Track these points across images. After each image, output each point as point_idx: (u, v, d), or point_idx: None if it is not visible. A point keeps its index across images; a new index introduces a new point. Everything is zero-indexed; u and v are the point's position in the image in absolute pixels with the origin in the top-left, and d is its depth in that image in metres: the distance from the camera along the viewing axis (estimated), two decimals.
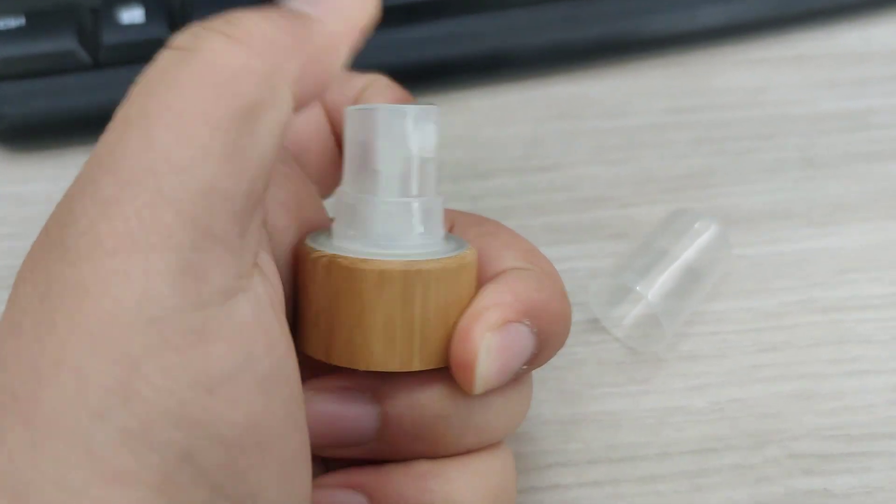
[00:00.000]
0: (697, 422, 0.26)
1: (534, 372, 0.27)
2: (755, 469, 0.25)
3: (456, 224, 0.21)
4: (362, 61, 0.33)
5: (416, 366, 0.18)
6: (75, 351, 0.14)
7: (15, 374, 0.14)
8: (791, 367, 0.27)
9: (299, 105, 0.17)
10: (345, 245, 0.19)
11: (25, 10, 0.33)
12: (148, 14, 0.33)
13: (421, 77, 0.33)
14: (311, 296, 0.19)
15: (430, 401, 0.19)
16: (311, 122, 0.23)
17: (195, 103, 0.15)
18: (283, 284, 0.18)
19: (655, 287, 0.26)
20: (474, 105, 0.34)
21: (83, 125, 0.33)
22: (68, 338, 0.14)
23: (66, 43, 0.32)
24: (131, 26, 0.32)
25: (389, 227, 0.19)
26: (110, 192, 0.15)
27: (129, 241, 0.14)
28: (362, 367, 0.18)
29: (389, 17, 0.33)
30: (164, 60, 0.16)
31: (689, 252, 0.27)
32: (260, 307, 0.16)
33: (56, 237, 0.15)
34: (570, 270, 0.29)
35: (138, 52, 0.32)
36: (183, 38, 0.16)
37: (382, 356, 0.18)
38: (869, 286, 0.29)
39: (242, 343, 0.15)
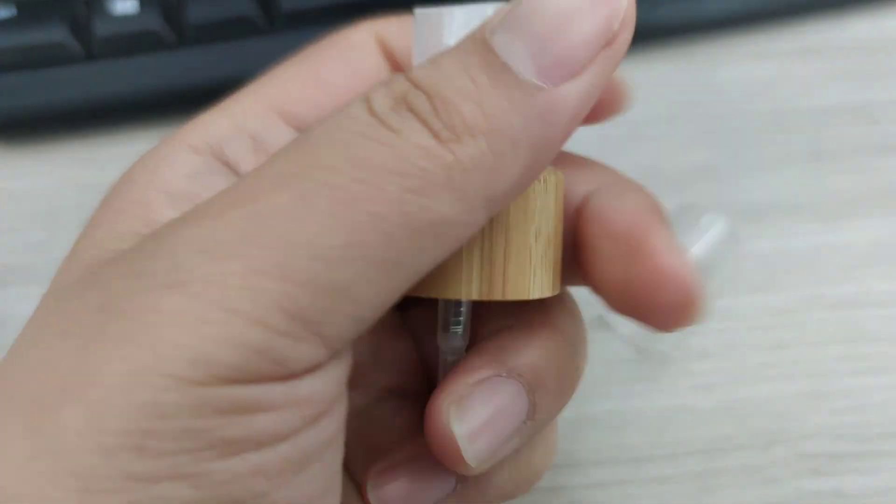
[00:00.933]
0: (705, 421, 0.26)
1: None
2: (763, 469, 0.25)
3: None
4: None
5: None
6: (111, 378, 0.13)
7: (44, 377, 0.13)
8: (800, 364, 0.27)
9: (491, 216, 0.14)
10: None
11: (17, 0, 0.32)
12: (142, 4, 0.32)
13: None
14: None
15: None
16: None
17: (372, 195, 0.13)
18: None
19: None
20: None
21: (76, 118, 0.32)
22: (109, 362, 0.13)
23: (58, 34, 0.31)
24: (125, 17, 0.32)
25: None
26: (229, 243, 0.13)
27: (219, 296, 0.13)
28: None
29: (384, 8, 0.32)
30: (352, 119, 0.14)
31: (695, 248, 0.27)
32: (333, 383, 0.14)
33: (142, 264, 0.14)
34: None
35: (132, 44, 0.32)
36: (379, 100, 0.14)
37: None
38: (878, 282, 0.28)
39: (285, 415, 0.13)
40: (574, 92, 0.14)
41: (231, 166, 0.18)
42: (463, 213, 0.14)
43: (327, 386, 0.14)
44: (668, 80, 0.33)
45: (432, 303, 0.18)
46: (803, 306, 0.28)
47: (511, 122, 0.14)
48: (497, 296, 0.16)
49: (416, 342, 0.21)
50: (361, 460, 0.19)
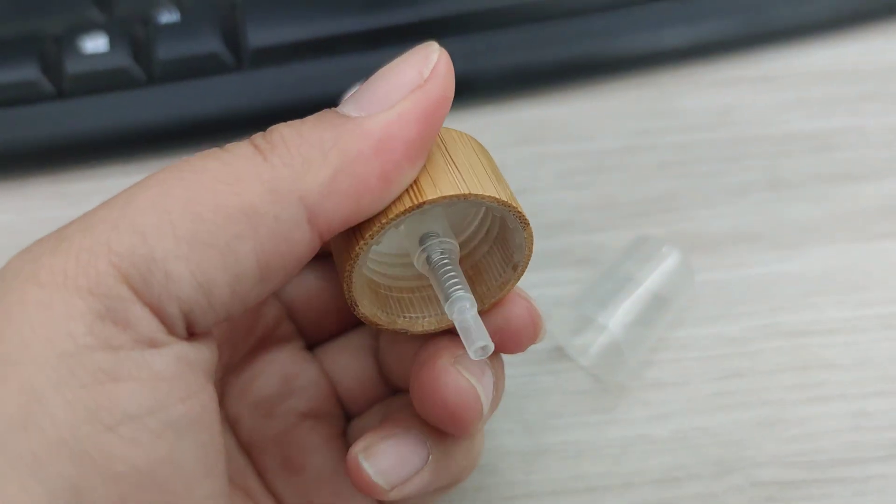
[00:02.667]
0: (660, 451, 0.26)
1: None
2: (718, 497, 0.26)
3: None
4: (325, 86, 0.33)
5: None
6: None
7: None
8: (754, 393, 0.27)
9: (327, 223, 0.17)
10: None
11: None
12: (112, 43, 0.32)
13: None
14: None
15: None
16: None
17: (187, 185, 0.16)
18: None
19: (617, 316, 0.26)
20: None
21: (47, 155, 0.33)
22: None
23: (29, 72, 0.32)
24: (95, 55, 0.32)
25: None
26: (70, 231, 0.16)
27: (61, 279, 0.15)
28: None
29: (351, 44, 0.33)
30: (203, 153, 0.17)
31: (651, 279, 0.27)
32: (183, 363, 0.16)
33: (13, 260, 0.16)
34: (536, 298, 0.29)
35: (102, 82, 0.32)
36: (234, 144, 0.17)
37: None
38: (833, 310, 0.29)
39: (153, 390, 0.15)
40: (384, 117, 0.17)
41: None
42: (273, 205, 0.16)
43: (180, 366, 0.16)
44: (627, 110, 0.34)
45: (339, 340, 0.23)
46: (758, 335, 0.28)
47: (322, 137, 0.16)
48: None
49: (326, 373, 0.24)
50: (283, 478, 0.22)
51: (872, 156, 0.33)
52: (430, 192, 0.17)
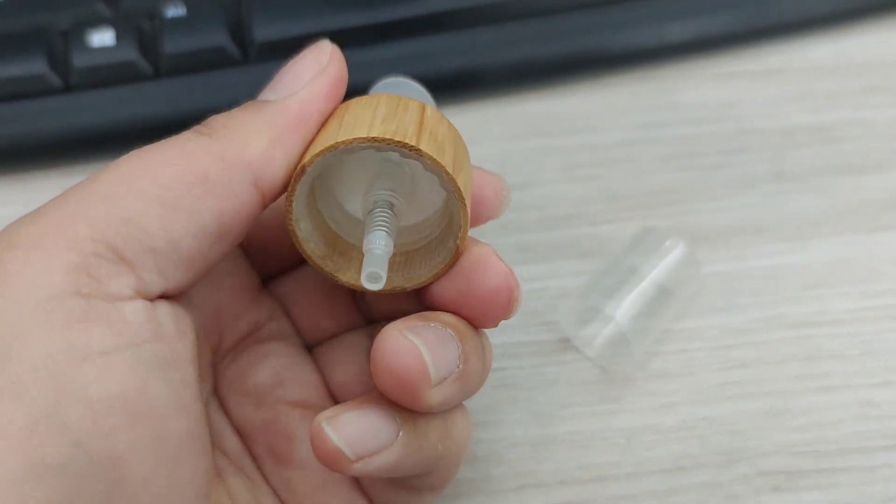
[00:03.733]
0: (667, 440, 0.26)
1: (504, 394, 0.28)
2: (724, 487, 0.26)
3: None
4: None
5: None
6: None
7: None
8: (760, 383, 0.28)
9: (269, 184, 0.19)
10: None
11: None
12: (118, 37, 0.33)
13: None
14: None
15: None
16: None
17: (151, 164, 0.19)
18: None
19: (623, 307, 0.26)
20: None
21: (55, 149, 0.33)
22: None
23: (37, 66, 0.32)
24: (102, 49, 0.32)
25: None
26: (45, 208, 0.18)
27: (40, 240, 0.17)
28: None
29: (356, 38, 0.33)
30: (151, 144, 0.19)
31: (656, 271, 0.27)
32: (152, 313, 0.18)
33: (5, 228, 0.18)
34: (541, 290, 0.29)
35: (109, 75, 0.32)
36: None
37: None
38: (838, 301, 0.29)
39: (123, 331, 0.17)
40: (298, 95, 0.20)
41: None
42: (224, 171, 0.19)
43: (148, 314, 0.18)
44: (631, 104, 0.34)
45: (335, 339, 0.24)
46: (763, 326, 0.29)
47: (253, 118, 0.20)
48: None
49: (320, 369, 0.24)
50: (271, 466, 0.22)
51: (876, 148, 0.33)
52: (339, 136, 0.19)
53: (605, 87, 0.35)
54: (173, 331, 0.19)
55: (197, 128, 0.20)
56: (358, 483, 0.22)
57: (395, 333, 0.19)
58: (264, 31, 0.33)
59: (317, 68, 0.21)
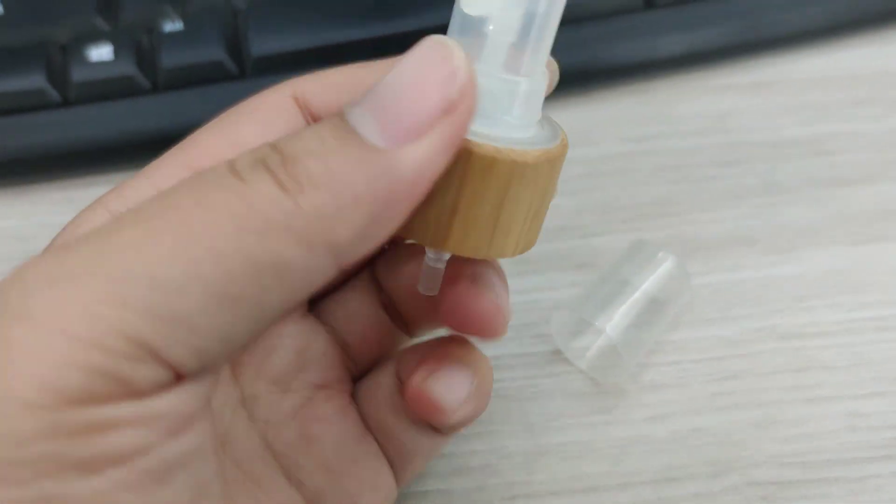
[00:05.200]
0: (658, 451, 0.27)
1: (498, 405, 0.28)
2: (715, 497, 0.26)
3: None
4: None
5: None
6: None
7: None
8: (751, 394, 0.28)
9: (351, 261, 0.16)
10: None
11: None
12: (117, 51, 0.33)
13: None
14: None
15: None
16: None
17: (214, 233, 0.14)
18: None
19: (615, 320, 0.27)
20: None
21: (53, 162, 0.33)
22: None
23: (35, 80, 0.32)
24: (100, 64, 0.33)
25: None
26: (75, 263, 0.14)
27: (58, 322, 0.14)
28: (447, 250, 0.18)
29: (354, 52, 0.34)
30: (213, 173, 0.15)
31: (648, 283, 0.28)
32: (184, 400, 0.15)
33: (16, 279, 0.14)
34: (534, 302, 0.30)
35: (107, 90, 0.33)
36: (241, 160, 0.15)
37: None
38: (829, 312, 0.29)
39: (147, 429, 0.14)
40: (415, 152, 0.15)
41: None
42: (304, 258, 0.15)
43: (182, 404, 0.15)
44: (624, 116, 0.34)
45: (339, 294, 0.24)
46: (755, 337, 0.29)
47: (353, 178, 0.15)
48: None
49: (334, 334, 0.24)
50: (302, 450, 0.22)
51: (867, 160, 0.33)
52: (451, 244, 0.18)
53: (598, 101, 0.35)
54: (200, 406, 0.16)
55: (275, 169, 0.15)
56: (384, 450, 0.23)
57: (475, 288, 0.21)
58: (261, 45, 0.33)
59: (443, 103, 0.15)
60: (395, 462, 0.23)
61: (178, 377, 0.15)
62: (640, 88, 0.35)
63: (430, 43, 0.16)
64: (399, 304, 0.24)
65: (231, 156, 0.17)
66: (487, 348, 0.29)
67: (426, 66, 0.16)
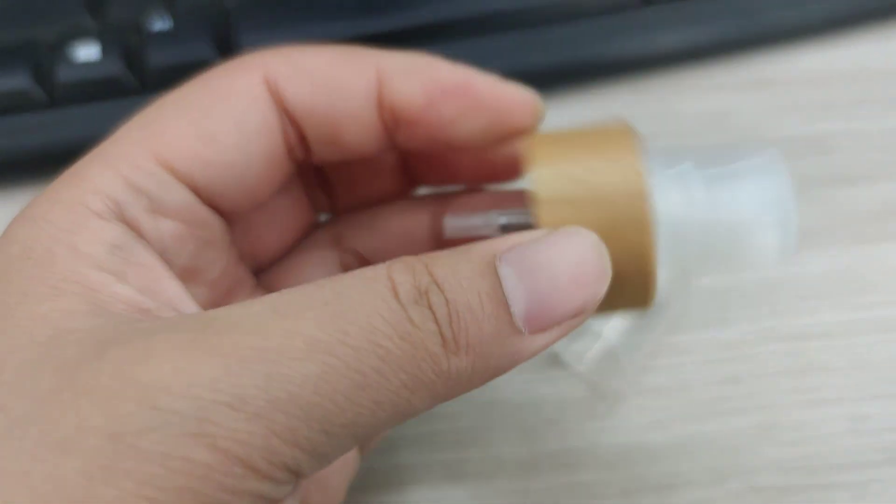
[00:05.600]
0: (658, 457, 0.26)
1: (493, 411, 0.27)
2: (716, 503, 0.25)
3: None
4: None
5: None
6: None
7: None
8: (752, 398, 0.27)
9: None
10: None
11: None
12: (104, 50, 0.32)
13: None
14: None
15: None
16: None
17: (378, 385, 0.15)
18: None
19: (613, 322, 0.26)
20: None
21: (39, 164, 0.32)
22: None
23: (21, 81, 0.32)
24: (87, 64, 0.32)
25: None
26: (255, 402, 0.15)
27: (243, 453, 0.14)
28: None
29: None
30: (381, 302, 0.16)
31: None
32: None
33: (158, 398, 0.15)
34: None
35: (94, 90, 0.32)
36: (403, 284, 0.16)
37: None
38: (830, 313, 0.29)
39: None
40: (539, 342, 0.17)
41: (133, 229, 0.18)
42: (426, 409, 0.16)
43: (292, 502, 0.16)
44: (623, 114, 0.34)
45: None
46: (755, 339, 0.28)
47: (493, 353, 0.16)
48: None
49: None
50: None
51: (868, 159, 0.32)
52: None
53: (597, 98, 0.34)
54: None
55: (438, 312, 0.16)
56: None
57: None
58: (250, 43, 0.33)
59: (578, 310, 0.17)
60: None
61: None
62: (638, 86, 0.34)
63: (594, 242, 0.17)
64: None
65: (205, 152, 0.18)
66: None
67: (585, 267, 0.17)
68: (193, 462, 0.14)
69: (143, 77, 0.33)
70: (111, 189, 0.18)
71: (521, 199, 0.21)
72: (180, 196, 0.19)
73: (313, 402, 0.15)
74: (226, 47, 0.33)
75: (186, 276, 0.20)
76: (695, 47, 0.34)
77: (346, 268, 0.23)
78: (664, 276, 0.19)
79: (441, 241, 0.22)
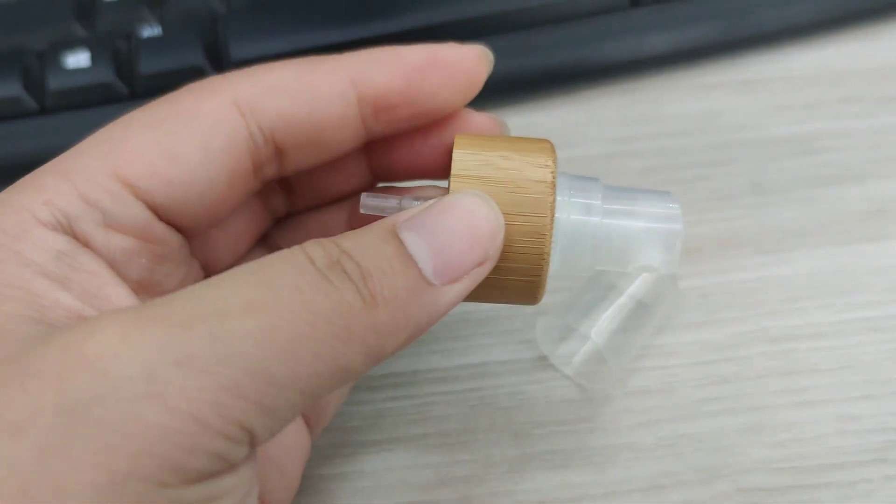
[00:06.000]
0: (646, 458, 0.26)
1: (483, 413, 0.27)
2: None
3: None
4: None
5: None
6: (86, 489, 0.14)
7: None
8: (740, 399, 0.27)
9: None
10: None
11: None
12: (94, 58, 0.32)
13: None
14: None
15: None
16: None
17: (313, 336, 0.16)
18: None
19: (599, 325, 0.26)
20: None
21: (30, 171, 0.32)
22: (80, 472, 0.14)
23: (11, 88, 0.32)
24: (77, 70, 0.32)
25: None
26: (203, 360, 0.15)
27: (195, 410, 0.15)
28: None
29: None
30: (302, 270, 0.17)
31: (633, 287, 0.27)
32: None
33: (110, 365, 0.15)
34: (519, 307, 0.29)
35: (85, 97, 0.32)
36: (318, 256, 0.17)
37: None
38: (819, 314, 0.29)
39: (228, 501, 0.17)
40: (453, 293, 0.19)
41: (82, 241, 0.18)
42: (363, 366, 0.17)
43: (251, 473, 0.17)
44: (612, 116, 0.34)
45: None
46: (744, 341, 0.28)
47: (410, 305, 0.18)
48: None
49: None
50: None
51: (856, 158, 0.33)
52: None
53: (585, 100, 0.34)
54: None
55: (352, 274, 0.17)
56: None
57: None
58: (240, 50, 0.33)
59: (483, 257, 0.19)
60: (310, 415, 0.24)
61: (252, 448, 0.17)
62: (627, 88, 0.35)
63: (484, 199, 0.19)
64: None
65: (167, 171, 0.19)
66: (470, 355, 0.28)
67: (478, 220, 0.19)
68: (147, 424, 0.15)
69: (133, 84, 0.33)
70: (63, 201, 0.18)
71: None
72: (136, 213, 0.19)
73: (256, 355, 0.16)
74: (215, 54, 0.33)
75: (141, 288, 0.20)
76: (683, 48, 0.34)
77: None
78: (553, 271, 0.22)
79: None
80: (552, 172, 0.21)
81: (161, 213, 0.20)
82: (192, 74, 0.33)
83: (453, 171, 0.20)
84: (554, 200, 0.20)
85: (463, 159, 0.20)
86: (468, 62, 0.22)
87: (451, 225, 0.19)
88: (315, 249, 0.17)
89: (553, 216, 0.20)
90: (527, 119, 0.34)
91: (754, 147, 0.33)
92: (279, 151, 0.21)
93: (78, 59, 0.33)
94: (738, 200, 0.32)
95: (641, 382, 0.28)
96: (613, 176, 0.32)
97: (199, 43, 0.33)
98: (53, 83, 0.32)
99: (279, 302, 0.16)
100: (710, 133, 0.33)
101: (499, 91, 0.34)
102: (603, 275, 0.28)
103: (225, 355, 0.15)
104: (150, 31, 0.33)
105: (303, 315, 0.16)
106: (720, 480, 0.26)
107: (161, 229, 0.20)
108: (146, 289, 0.20)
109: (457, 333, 0.29)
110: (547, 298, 0.29)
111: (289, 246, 0.22)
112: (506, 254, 0.20)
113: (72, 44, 0.33)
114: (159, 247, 0.20)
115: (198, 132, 0.19)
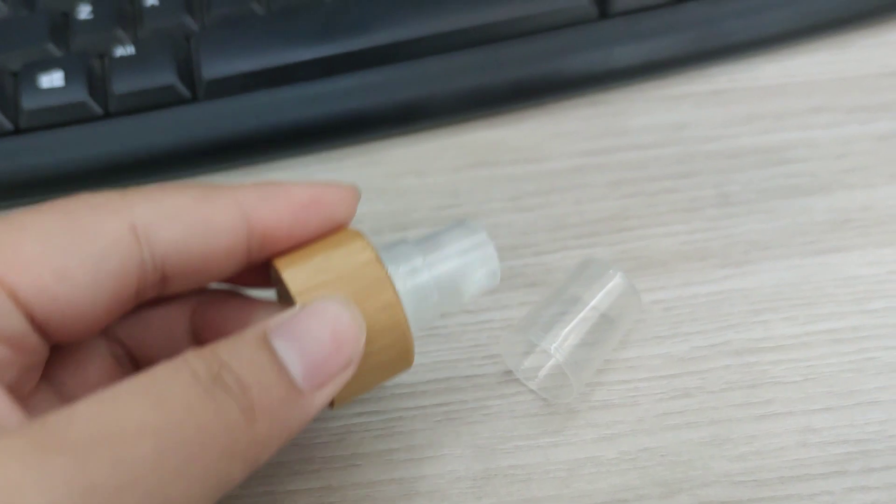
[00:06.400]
0: (608, 472, 0.27)
1: (447, 428, 0.28)
2: None
3: None
4: (280, 115, 0.33)
5: None
6: None
7: None
8: (702, 412, 0.28)
9: None
10: None
11: None
12: (68, 77, 0.33)
13: (338, 130, 0.33)
14: None
15: None
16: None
17: (203, 454, 0.18)
18: None
19: (560, 340, 0.27)
20: (392, 156, 0.34)
21: (4, 191, 0.33)
22: None
23: None
24: (51, 90, 0.33)
25: None
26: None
27: None
28: None
29: (304, 72, 0.33)
30: (188, 385, 0.18)
31: (595, 301, 0.28)
32: None
33: None
34: (486, 322, 0.30)
35: (59, 117, 0.33)
36: (200, 369, 0.19)
37: None
38: (782, 326, 0.29)
39: None
40: (322, 397, 0.20)
41: None
42: (242, 476, 0.18)
43: None
44: (579, 129, 0.34)
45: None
46: (707, 354, 0.29)
47: (286, 415, 0.19)
48: None
49: None
50: None
51: (823, 168, 0.33)
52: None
53: (553, 114, 0.35)
54: None
55: (233, 387, 0.18)
56: None
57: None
58: (213, 69, 0.33)
59: (348, 361, 0.20)
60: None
61: None
62: (595, 100, 0.35)
63: (343, 301, 0.21)
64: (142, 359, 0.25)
65: (54, 287, 0.19)
66: (436, 371, 0.29)
67: (342, 325, 0.20)
68: None
69: (106, 103, 0.33)
70: None
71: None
72: (14, 323, 0.19)
73: (154, 480, 0.16)
74: (188, 72, 0.33)
75: (11, 391, 0.20)
76: (652, 60, 0.35)
77: (115, 357, 0.24)
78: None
79: (197, 336, 0.24)
80: (373, 251, 0.22)
81: (36, 325, 0.20)
82: (164, 93, 0.33)
83: (293, 291, 0.21)
84: (387, 272, 0.22)
85: (294, 278, 0.21)
86: (345, 205, 0.23)
87: (317, 332, 0.20)
88: (197, 363, 0.18)
89: (393, 286, 0.22)
90: (495, 134, 0.34)
91: (722, 158, 0.33)
92: (163, 277, 0.21)
93: (52, 79, 0.33)
94: (704, 213, 0.32)
95: (605, 396, 0.28)
96: (580, 190, 0.33)
97: (171, 61, 0.33)
98: (27, 103, 0.33)
99: (171, 423, 0.17)
100: (678, 144, 0.34)
101: (467, 106, 0.34)
102: (566, 290, 0.28)
103: (126, 482, 0.16)
104: (123, 50, 0.34)
105: (195, 436, 0.17)
106: (681, 494, 0.26)
107: (34, 340, 0.20)
108: (14, 391, 0.20)
109: (423, 349, 0.29)
110: (513, 312, 0.30)
111: (104, 335, 0.23)
112: (369, 337, 0.21)
113: (46, 64, 0.33)
114: (30, 357, 0.20)
115: (92, 252, 0.20)
